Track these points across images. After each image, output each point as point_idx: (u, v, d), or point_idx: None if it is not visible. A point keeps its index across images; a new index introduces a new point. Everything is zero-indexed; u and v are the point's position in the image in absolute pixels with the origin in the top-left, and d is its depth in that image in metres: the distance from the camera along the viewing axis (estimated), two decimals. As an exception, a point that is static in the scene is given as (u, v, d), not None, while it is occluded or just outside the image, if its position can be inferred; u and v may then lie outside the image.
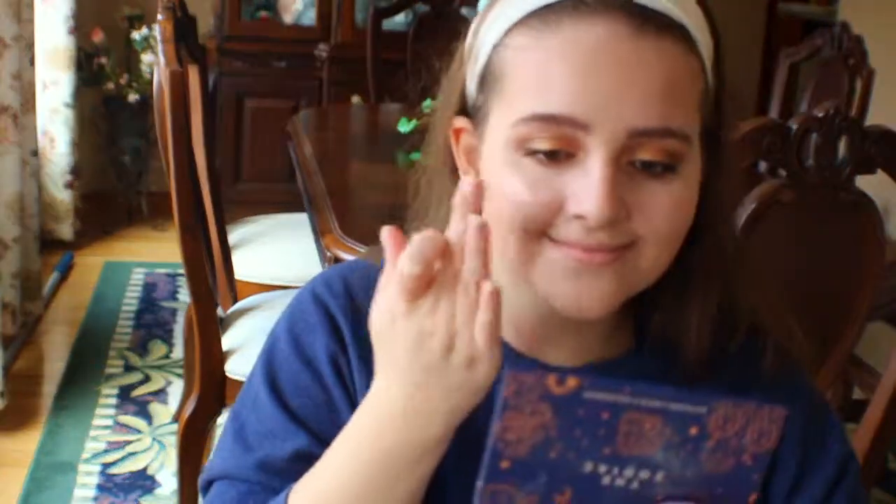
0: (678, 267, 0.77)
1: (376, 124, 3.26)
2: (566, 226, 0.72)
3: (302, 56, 4.32)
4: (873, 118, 2.98)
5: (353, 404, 0.80)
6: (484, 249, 0.65)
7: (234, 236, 2.61)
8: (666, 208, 0.72)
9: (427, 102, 2.36)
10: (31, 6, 3.33)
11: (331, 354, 0.82)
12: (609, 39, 0.70)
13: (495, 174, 0.74)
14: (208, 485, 0.84)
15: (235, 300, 2.35)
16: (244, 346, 2.08)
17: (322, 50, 4.31)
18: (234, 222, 2.74)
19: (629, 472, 0.59)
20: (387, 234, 0.67)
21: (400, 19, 4.17)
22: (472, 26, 0.79)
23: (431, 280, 0.66)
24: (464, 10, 3.72)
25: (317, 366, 0.82)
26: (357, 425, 0.71)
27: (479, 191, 0.66)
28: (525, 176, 0.72)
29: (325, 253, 1.82)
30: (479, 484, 0.59)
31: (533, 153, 0.72)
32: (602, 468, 0.59)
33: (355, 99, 4.19)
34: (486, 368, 0.65)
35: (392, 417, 0.68)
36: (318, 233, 1.91)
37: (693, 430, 0.58)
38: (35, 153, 3.41)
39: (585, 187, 0.70)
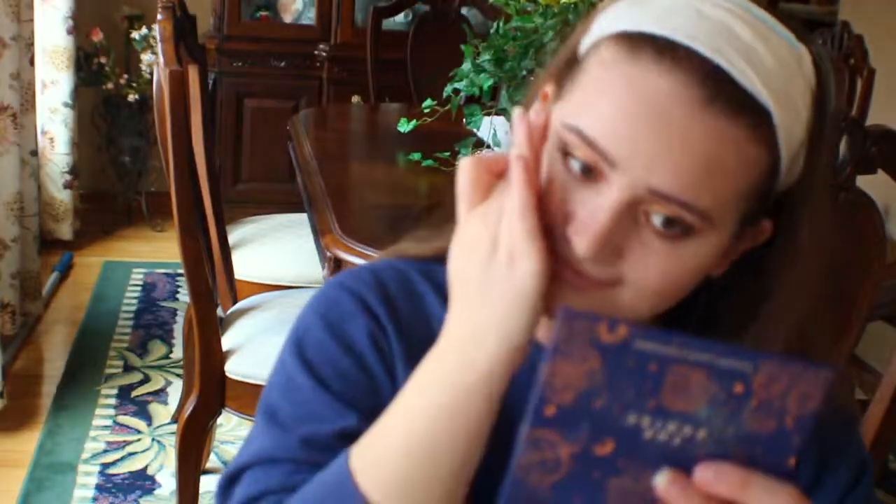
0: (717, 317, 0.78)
1: (376, 124, 3.26)
2: (560, 241, 0.71)
3: (302, 56, 4.32)
4: (873, 118, 2.98)
5: (395, 386, 0.78)
6: (527, 142, 0.67)
7: (234, 236, 2.61)
8: (659, 267, 0.71)
9: (427, 102, 2.37)
10: (30, 6, 3.32)
11: (372, 337, 0.81)
12: (672, 99, 0.68)
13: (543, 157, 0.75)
14: (234, 478, 0.79)
15: (235, 300, 2.35)
16: (244, 346, 2.08)
17: (322, 50, 4.31)
18: (234, 222, 2.74)
19: (672, 426, 0.59)
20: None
21: (400, 19, 4.17)
22: (601, 7, 0.77)
23: (488, 194, 0.69)
24: (464, 10, 3.72)
25: (358, 349, 0.81)
26: (422, 366, 0.70)
27: (545, 120, 0.70)
28: (553, 177, 0.72)
29: (325, 253, 1.82)
30: (524, 429, 0.59)
31: (571, 157, 0.72)
32: (645, 421, 0.59)
33: (355, 99, 4.19)
34: (525, 262, 0.65)
35: (450, 343, 0.68)
36: (318, 233, 1.91)
37: (738, 388, 0.58)
38: (34, 153, 3.41)
39: (587, 219, 0.70)
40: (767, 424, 0.59)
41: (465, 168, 0.70)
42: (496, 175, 0.70)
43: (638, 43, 0.70)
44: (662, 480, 0.60)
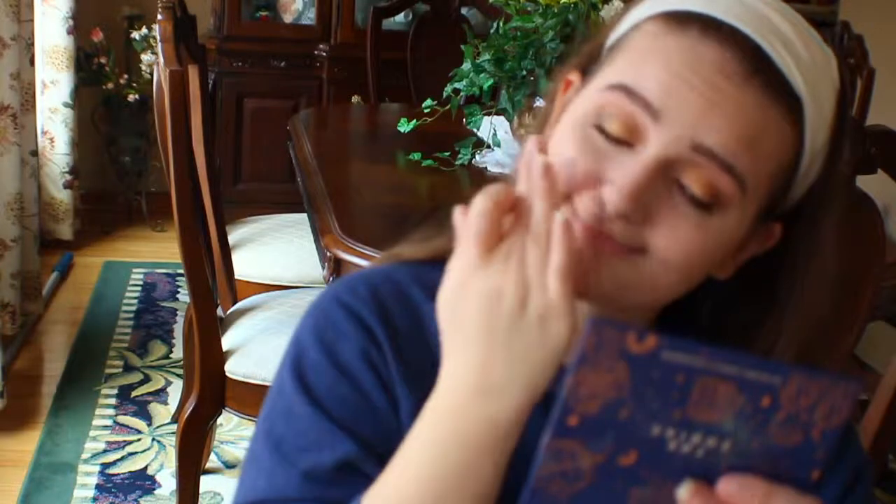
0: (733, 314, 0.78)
1: (376, 124, 3.26)
2: (588, 202, 0.71)
3: (302, 56, 4.32)
4: (873, 118, 2.98)
5: (394, 406, 0.78)
6: (551, 190, 0.65)
7: (234, 236, 2.61)
8: (687, 235, 0.71)
9: (427, 102, 2.37)
10: (30, 6, 3.32)
11: (366, 357, 0.79)
12: (719, 70, 0.70)
13: (562, 132, 0.75)
14: None
15: (235, 300, 2.35)
16: (244, 346, 2.08)
17: (322, 50, 4.31)
18: (234, 222, 2.74)
19: (696, 438, 0.58)
20: (459, 214, 0.67)
21: (400, 19, 4.17)
22: (635, 3, 0.79)
23: (502, 237, 0.65)
24: (464, 10, 3.72)
25: (353, 373, 0.79)
26: (430, 414, 0.66)
27: (543, 147, 0.68)
28: (582, 145, 0.72)
29: (325, 253, 1.82)
30: (545, 440, 0.58)
31: (601, 130, 0.72)
32: (670, 432, 0.58)
33: (355, 99, 4.19)
34: (561, 323, 0.63)
35: (466, 396, 0.64)
36: (318, 233, 1.91)
37: (765, 401, 0.57)
38: (34, 153, 3.41)
39: (622, 174, 0.70)
40: (793, 437, 0.58)
41: (478, 205, 0.65)
42: (509, 210, 0.66)
43: (684, 19, 0.73)
44: (685, 492, 0.59)
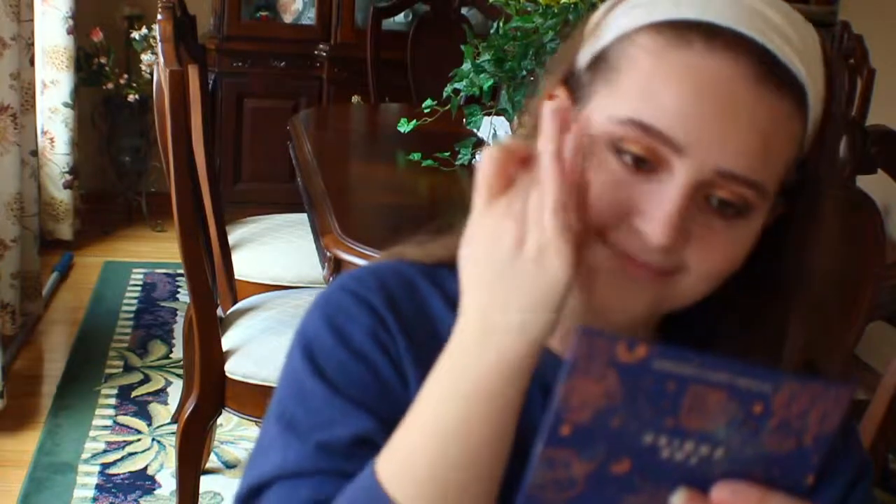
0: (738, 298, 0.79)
1: (376, 124, 3.26)
2: (624, 235, 0.72)
3: (302, 56, 4.32)
4: (873, 118, 2.98)
5: (405, 384, 0.78)
6: (559, 135, 0.65)
7: (234, 236, 2.61)
8: (722, 249, 0.73)
9: (427, 102, 2.37)
10: (30, 6, 3.32)
11: (376, 337, 0.80)
12: (731, 79, 0.70)
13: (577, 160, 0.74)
14: (256, 490, 0.76)
15: (235, 300, 2.35)
16: (244, 346, 2.08)
17: (322, 50, 4.31)
18: (234, 222, 2.74)
19: (689, 446, 0.58)
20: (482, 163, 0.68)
21: (400, 19, 4.17)
22: (608, 4, 0.78)
23: (509, 184, 0.66)
24: (464, 10, 3.72)
25: (364, 353, 0.79)
26: (438, 367, 0.68)
27: (569, 111, 0.68)
28: (605, 174, 0.72)
29: (325, 253, 1.82)
30: (538, 448, 0.58)
31: (621, 152, 0.72)
32: (662, 440, 0.58)
33: (355, 99, 4.19)
34: (556, 259, 0.63)
35: (469, 337, 0.65)
36: (318, 233, 1.91)
37: (757, 408, 0.57)
38: (34, 153, 3.41)
39: (656, 208, 0.70)
40: (786, 444, 0.58)
41: (491, 156, 0.67)
42: (520, 164, 0.67)
43: (683, 30, 0.71)
44: (679, 499, 0.59)
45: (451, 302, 0.81)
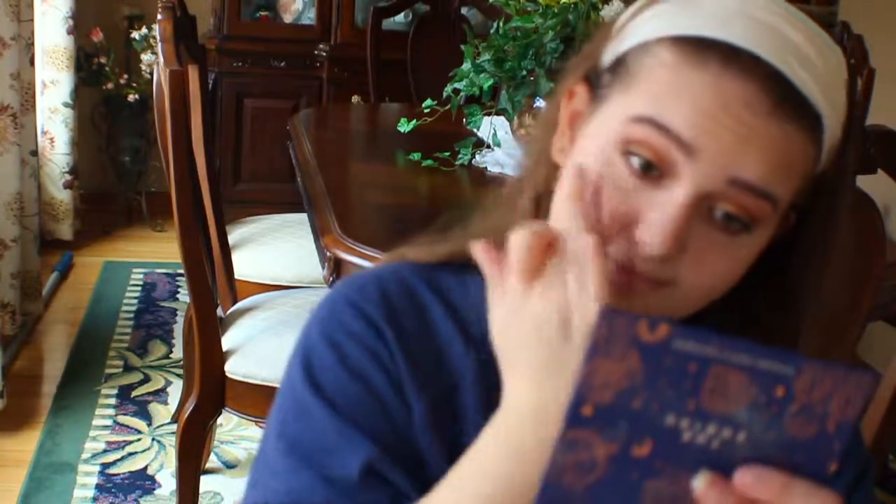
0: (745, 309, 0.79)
1: (376, 124, 3.26)
2: (623, 244, 0.71)
3: (302, 56, 4.32)
4: (873, 118, 2.98)
5: (406, 406, 0.78)
6: (586, 213, 0.66)
7: (234, 236, 2.61)
8: (720, 265, 0.72)
9: (427, 102, 2.37)
10: (30, 6, 3.32)
11: (376, 358, 0.79)
12: (745, 106, 0.69)
13: (584, 156, 0.74)
14: None
15: (235, 300, 2.35)
16: (244, 346, 2.08)
17: (322, 50, 4.31)
18: (234, 222, 2.74)
19: (711, 429, 0.58)
20: (481, 249, 0.69)
21: (400, 19, 4.17)
22: (635, 7, 0.78)
23: (542, 267, 0.67)
24: (464, 10, 3.72)
25: (364, 374, 0.79)
26: (487, 435, 0.69)
27: (584, 177, 0.69)
28: (611, 183, 0.72)
29: (325, 253, 1.82)
30: (560, 429, 0.58)
31: (630, 155, 0.71)
32: (684, 423, 0.58)
33: (355, 99, 4.19)
34: None
35: (522, 418, 0.66)
36: (318, 233, 1.91)
37: (779, 392, 0.57)
38: (34, 153, 3.41)
39: (658, 216, 0.70)
40: (809, 429, 0.58)
41: (520, 239, 0.67)
42: (549, 246, 0.68)
43: (702, 49, 0.71)
44: (701, 483, 0.59)
45: (451, 308, 0.82)
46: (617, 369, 0.57)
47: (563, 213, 0.70)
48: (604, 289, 0.64)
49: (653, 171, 0.71)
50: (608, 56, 0.77)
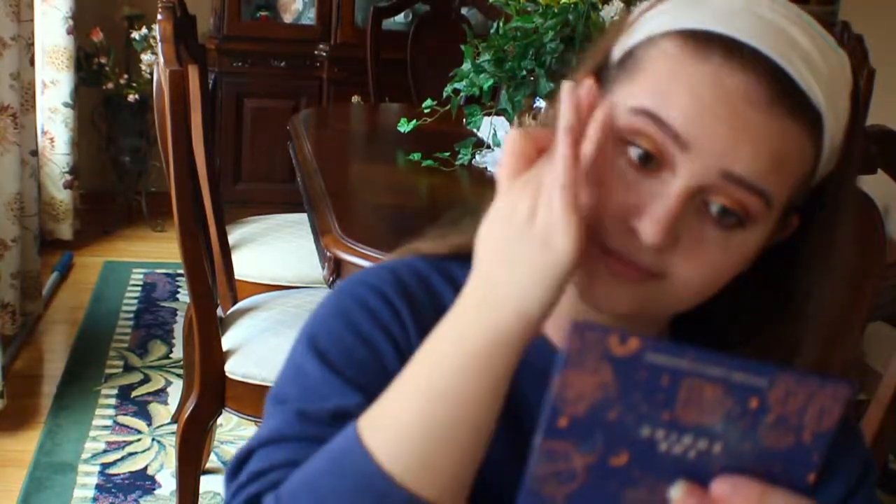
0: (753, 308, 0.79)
1: (376, 124, 3.26)
2: (618, 233, 0.72)
3: (302, 56, 4.32)
4: (873, 118, 2.98)
5: None
6: (578, 123, 0.66)
7: (234, 236, 2.61)
8: (709, 259, 0.72)
9: (427, 102, 2.37)
10: (30, 6, 3.32)
11: (388, 332, 0.80)
12: (745, 97, 0.70)
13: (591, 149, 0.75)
14: (243, 460, 0.77)
15: (235, 300, 2.35)
16: (244, 346, 2.08)
17: (322, 50, 4.31)
18: (234, 222, 2.74)
19: (687, 440, 0.58)
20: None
21: (400, 19, 4.17)
22: (645, 5, 0.79)
23: (530, 165, 0.68)
24: (464, 10, 3.72)
25: (373, 342, 0.80)
26: (436, 331, 0.69)
27: (594, 94, 0.69)
28: (610, 172, 0.72)
29: (325, 253, 1.82)
30: (537, 440, 0.58)
31: (630, 145, 0.72)
32: (660, 434, 0.58)
33: (355, 99, 4.18)
34: (561, 238, 0.64)
35: (468, 307, 0.67)
36: (318, 233, 1.91)
37: (753, 403, 0.57)
38: (34, 153, 3.41)
39: (654, 206, 0.71)
40: (785, 440, 0.58)
41: (512, 138, 0.69)
42: (541, 149, 0.69)
43: (705, 41, 0.71)
44: (678, 492, 0.59)
45: None
46: (590, 382, 0.57)
47: None
48: (570, 184, 0.64)
49: (651, 162, 0.71)
50: (617, 51, 0.78)
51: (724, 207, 0.71)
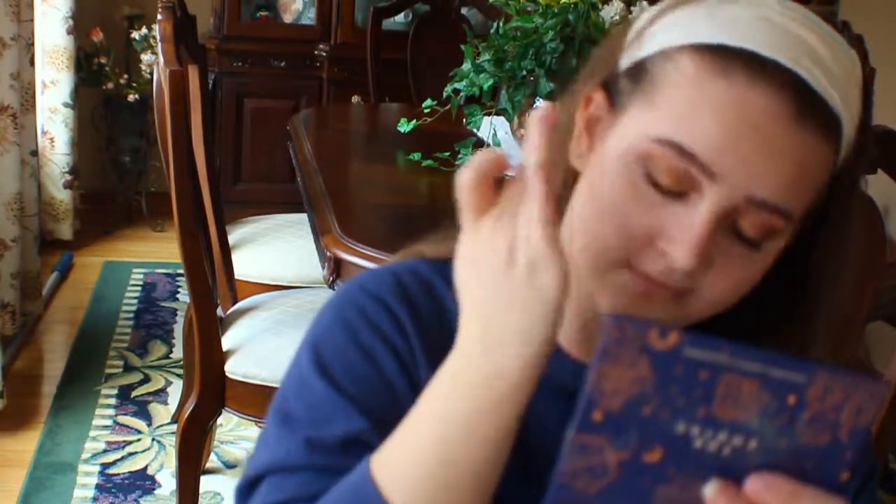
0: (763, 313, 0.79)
1: (376, 124, 3.26)
2: (647, 257, 0.72)
3: (302, 56, 4.32)
4: (873, 118, 2.98)
5: (417, 394, 0.77)
6: (543, 147, 0.64)
7: (234, 236, 2.61)
8: (736, 278, 0.73)
9: (427, 102, 2.37)
10: (30, 6, 3.32)
11: (390, 344, 0.80)
12: (772, 117, 0.69)
13: (607, 173, 0.74)
14: (252, 483, 0.78)
15: (235, 300, 2.35)
16: (244, 346, 2.08)
17: (322, 50, 4.31)
18: (234, 222, 2.74)
19: (722, 436, 0.58)
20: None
21: (400, 19, 4.17)
22: (652, 12, 0.77)
23: (493, 200, 0.66)
24: (464, 10, 3.72)
25: (376, 356, 0.79)
26: (439, 374, 0.68)
27: (554, 116, 0.66)
28: (633, 194, 0.72)
29: (325, 253, 1.82)
30: (570, 434, 0.58)
31: (650, 179, 0.72)
32: (695, 430, 0.58)
33: (355, 99, 4.18)
34: (550, 274, 0.63)
35: (470, 351, 0.65)
36: (318, 233, 1.91)
37: (791, 399, 0.57)
38: (34, 153, 3.41)
39: (684, 232, 0.71)
40: (821, 437, 0.58)
41: (464, 179, 0.67)
42: (498, 177, 0.67)
43: (724, 58, 0.70)
44: (711, 490, 0.59)
45: None
46: (627, 376, 0.56)
47: (578, 221, 0.71)
48: (548, 219, 0.63)
49: (675, 192, 0.71)
50: (626, 61, 0.76)
51: (754, 225, 0.71)
